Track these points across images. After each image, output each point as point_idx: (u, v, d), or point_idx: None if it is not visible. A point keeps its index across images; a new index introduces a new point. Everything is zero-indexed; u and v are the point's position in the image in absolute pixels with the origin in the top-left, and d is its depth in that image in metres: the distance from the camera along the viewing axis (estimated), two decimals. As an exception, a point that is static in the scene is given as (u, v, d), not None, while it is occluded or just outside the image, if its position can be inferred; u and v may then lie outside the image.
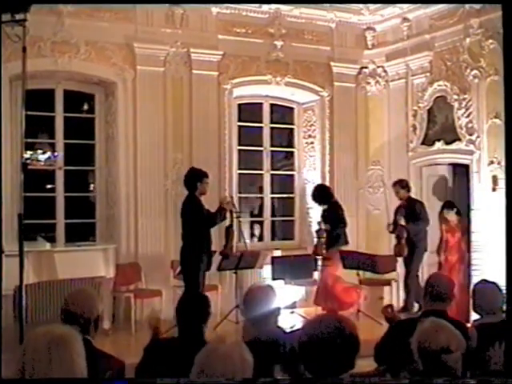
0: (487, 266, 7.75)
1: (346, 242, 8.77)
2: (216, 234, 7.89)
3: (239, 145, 9.74)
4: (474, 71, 8.43)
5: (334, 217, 8.72)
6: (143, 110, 8.72)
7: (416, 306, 8.23)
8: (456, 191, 9.13)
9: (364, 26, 10.08)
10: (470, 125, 8.57)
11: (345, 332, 2.54)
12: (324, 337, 2.52)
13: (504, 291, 4.06)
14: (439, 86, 9.03)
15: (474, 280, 6.71)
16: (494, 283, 4.20)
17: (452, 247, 8.55)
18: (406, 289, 8.56)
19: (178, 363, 3.31)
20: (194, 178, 7.45)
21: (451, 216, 8.55)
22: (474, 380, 2.80)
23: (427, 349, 2.84)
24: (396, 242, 8.59)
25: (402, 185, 8.82)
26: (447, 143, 8.98)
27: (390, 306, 4.28)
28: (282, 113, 10.49)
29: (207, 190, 7.50)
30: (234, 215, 8.00)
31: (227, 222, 7.84)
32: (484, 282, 4.36)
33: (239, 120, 9.76)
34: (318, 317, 2.74)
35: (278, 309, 3.71)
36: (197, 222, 7.28)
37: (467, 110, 8.60)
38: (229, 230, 8.21)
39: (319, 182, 10.10)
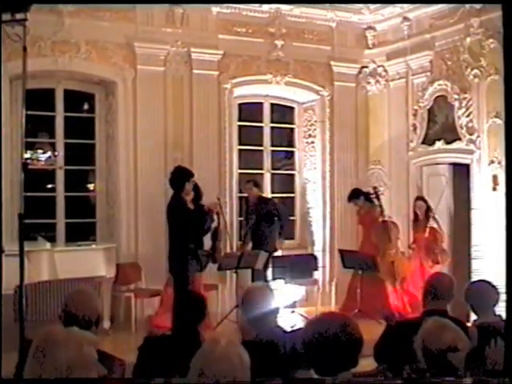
0: (487, 265, 7.75)
1: None
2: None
3: (239, 144, 9.73)
4: (475, 71, 8.43)
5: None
6: (143, 109, 8.72)
7: None
8: (456, 191, 9.13)
9: (364, 26, 10.08)
10: (470, 124, 8.57)
11: (348, 329, 2.56)
12: (328, 334, 2.53)
13: (498, 289, 4.07)
14: (439, 85, 9.02)
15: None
16: (488, 282, 4.20)
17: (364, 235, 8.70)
18: None
19: (172, 361, 3.35)
20: (183, 178, 7.37)
21: (358, 204, 8.76)
22: (470, 379, 2.80)
23: (432, 348, 2.84)
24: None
25: (255, 183, 8.88)
26: (447, 143, 8.98)
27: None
28: (283, 112, 10.48)
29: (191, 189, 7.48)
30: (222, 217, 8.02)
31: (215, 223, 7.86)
32: (479, 281, 4.37)
33: (239, 119, 9.75)
34: (322, 315, 2.77)
35: (277, 309, 3.71)
36: (185, 223, 7.22)
37: (467, 109, 8.60)
38: (216, 232, 8.20)
39: (320, 181, 10.11)
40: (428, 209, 8.59)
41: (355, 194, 8.90)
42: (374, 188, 8.87)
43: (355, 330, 2.59)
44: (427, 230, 8.46)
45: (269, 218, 8.73)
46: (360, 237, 9.27)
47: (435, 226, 8.44)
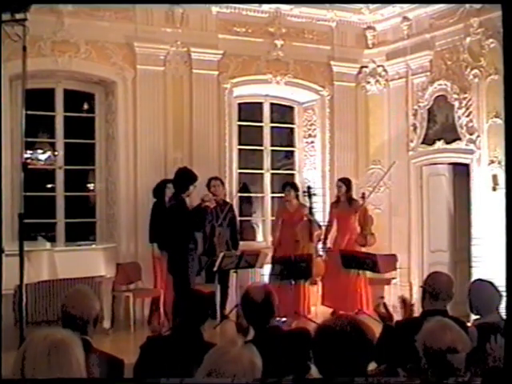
0: (487, 264, 7.75)
1: None
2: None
3: (239, 144, 9.73)
4: (474, 70, 8.43)
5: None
6: (143, 109, 8.72)
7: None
8: (456, 190, 9.13)
9: (364, 26, 10.07)
10: (470, 124, 8.57)
11: (365, 337, 2.53)
12: (342, 337, 2.51)
13: (500, 290, 4.06)
14: (439, 85, 9.02)
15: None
16: (489, 282, 4.19)
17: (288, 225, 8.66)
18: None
19: (174, 361, 3.33)
20: (188, 180, 7.37)
21: (290, 196, 8.68)
22: (476, 381, 2.79)
23: (433, 348, 2.83)
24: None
25: (222, 181, 8.64)
26: (447, 142, 8.98)
27: (383, 303, 4.25)
28: (282, 112, 10.47)
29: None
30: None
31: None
32: (479, 281, 4.35)
33: (239, 119, 9.75)
34: (338, 317, 2.71)
35: (277, 308, 3.70)
36: (186, 225, 7.22)
37: (467, 109, 8.59)
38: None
39: (320, 181, 10.10)
40: (348, 189, 8.87)
41: (293, 185, 8.93)
42: (308, 188, 8.79)
43: (371, 338, 2.56)
44: (359, 211, 8.74)
45: (231, 224, 8.70)
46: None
47: (369, 207, 8.68)
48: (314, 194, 8.77)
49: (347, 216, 8.86)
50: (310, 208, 8.59)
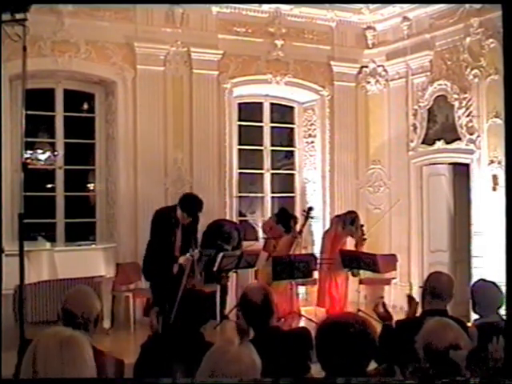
0: (487, 265, 7.75)
1: None
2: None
3: (239, 144, 9.73)
4: (475, 70, 8.43)
5: None
6: (143, 109, 8.72)
7: None
8: (456, 190, 9.13)
9: (364, 26, 10.08)
10: (470, 124, 8.57)
11: (369, 334, 2.54)
12: (351, 334, 2.53)
13: (503, 290, 4.06)
14: (439, 85, 9.03)
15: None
16: (492, 282, 4.19)
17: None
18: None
19: (174, 361, 3.33)
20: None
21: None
22: (476, 380, 2.79)
23: (435, 347, 2.83)
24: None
25: None
26: (447, 142, 8.98)
27: (383, 303, 4.24)
28: (282, 112, 10.48)
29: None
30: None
31: None
32: (482, 281, 4.35)
33: (239, 119, 9.75)
34: (342, 314, 2.73)
35: (276, 308, 3.70)
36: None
37: (467, 109, 8.60)
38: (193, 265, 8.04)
39: (320, 181, 10.10)
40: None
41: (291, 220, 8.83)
42: (309, 209, 8.75)
43: (374, 337, 2.57)
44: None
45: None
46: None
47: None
48: (312, 218, 8.78)
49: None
50: (301, 231, 8.56)
